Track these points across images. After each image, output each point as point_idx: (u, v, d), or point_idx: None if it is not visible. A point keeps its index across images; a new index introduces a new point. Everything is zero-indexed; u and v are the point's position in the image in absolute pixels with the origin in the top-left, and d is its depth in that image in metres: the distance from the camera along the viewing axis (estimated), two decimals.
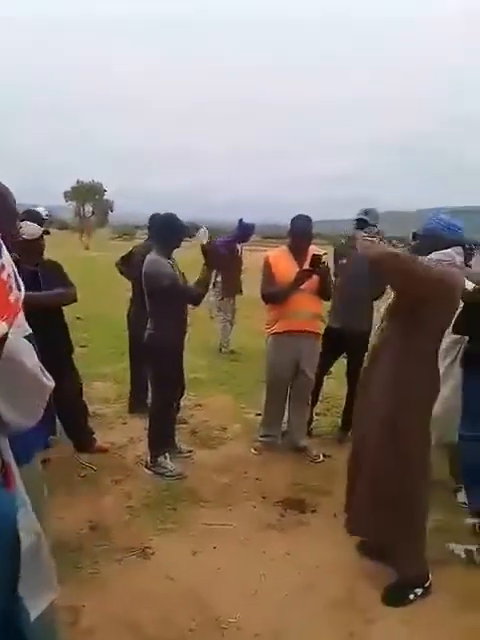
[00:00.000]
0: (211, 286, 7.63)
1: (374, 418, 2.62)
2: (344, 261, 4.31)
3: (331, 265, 4.39)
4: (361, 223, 4.13)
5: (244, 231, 8.05)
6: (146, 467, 3.74)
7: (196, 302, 3.69)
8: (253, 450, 4.15)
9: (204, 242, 3.56)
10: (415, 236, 2.69)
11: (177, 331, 3.70)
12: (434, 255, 2.53)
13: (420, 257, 2.55)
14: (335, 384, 5.31)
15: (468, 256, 3.00)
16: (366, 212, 4.12)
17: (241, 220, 8.06)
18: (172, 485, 3.57)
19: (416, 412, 2.55)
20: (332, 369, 4.76)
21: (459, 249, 2.57)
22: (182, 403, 4.29)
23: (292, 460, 4.03)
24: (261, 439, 4.20)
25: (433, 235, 2.59)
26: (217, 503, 3.39)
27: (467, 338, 3.18)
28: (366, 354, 3.83)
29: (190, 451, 4.04)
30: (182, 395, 4.14)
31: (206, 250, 3.57)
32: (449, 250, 2.53)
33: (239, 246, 7.43)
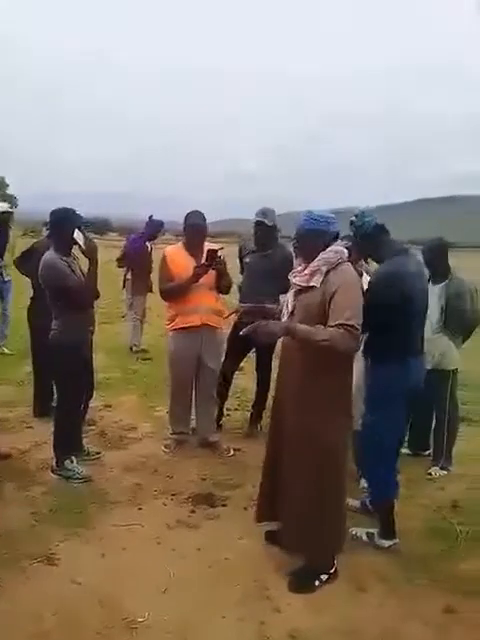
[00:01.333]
0: (122, 285, 7.50)
1: (289, 414, 2.68)
2: (247, 260, 4.40)
3: (237, 262, 4.45)
4: (260, 225, 4.24)
5: (153, 228, 8.00)
6: (52, 471, 3.61)
7: (86, 302, 3.62)
8: (163, 448, 4.13)
9: (80, 244, 3.47)
10: (296, 238, 2.74)
11: (82, 330, 3.61)
12: (323, 255, 2.57)
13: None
14: (246, 379, 5.38)
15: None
16: (264, 213, 4.22)
17: (150, 217, 7.99)
18: (79, 488, 3.48)
19: (331, 408, 2.60)
20: (243, 364, 4.83)
21: (342, 242, 2.68)
22: (90, 404, 4.18)
23: (202, 456, 4.05)
24: (171, 437, 4.19)
25: (315, 233, 2.61)
26: (126, 503, 3.34)
27: None
28: (274, 350, 3.93)
29: (98, 453, 3.95)
30: (90, 396, 4.04)
31: (83, 250, 3.49)
32: (335, 247, 2.60)
33: (149, 244, 7.36)
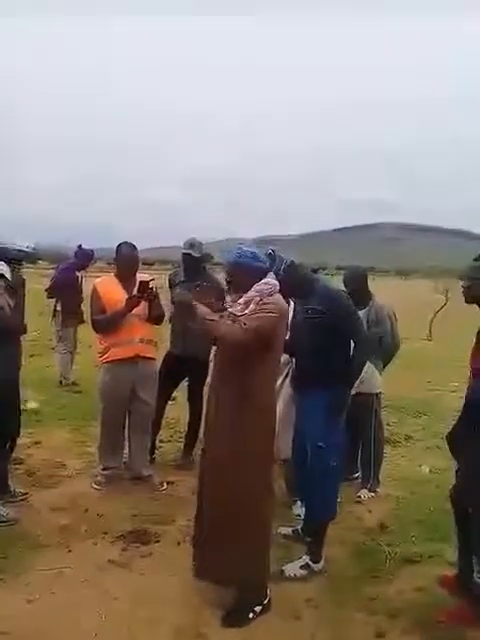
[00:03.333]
0: (51, 315, 7.32)
1: (218, 450, 2.71)
2: (177, 290, 4.43)
3: (167, 291, 4.48)
4: (187, 256, 4.32)
5: (83, 258, 7.91)
6: None
7: (12, 337, 3.54)
8: (94, 485, 4.04)
9: (7, 276, 3.43)
10: (228, 273, 2.85)
11: (9, 364, 3.51)
12: (257, 286, 2.69)
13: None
14: (178, 409, 5.36)
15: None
16: (191, 245, 4.30)
17: (80, 246, 7.89)
18: (4, 532, 3.34)
19: (254, 437, 2.67)
20: (175, 394, 4.82)
21: (272, 275, 2.80)
22: (17, 441, 4.04)
23: (135, 491, 3.98)
24: (102, 472, 4.09)
25: (247, 268, 2.73)
26: (54, 546, 3.23)
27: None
28: (206, 379, 3.97)
29: (25, 494, 3.80)
30: (17, 434, 3.90)
31: (10, 283, 3.47)
32: (267, 279, 2.73)
33: (79, 273, 7.26)
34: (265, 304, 2.64)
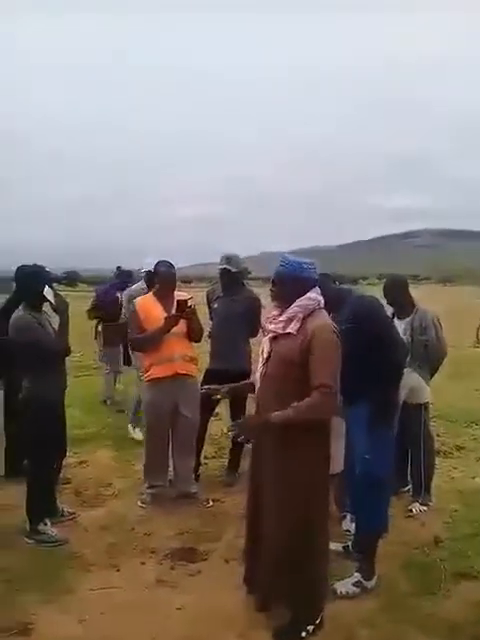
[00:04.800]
0: (93, 336, 7.45)
1: (268, 471, 2.65)
2: (215, 305, 4.44)
3: (205, 308, 4.49)
4: (224, 271, 4.32)
5: (123, 277, 8.00)
6: (26, 537, 3.49)
7: (58, 359, 3.61)
8: (140, 503, 4.04)
9: (51, 300, 3.51)
10: (274, 282, 2.68)
11: (55, 386, 3.58)
12: (299, 302, 2.54)
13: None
14: (222, 425, 5.33)
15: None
16: (228, 259, 4.30)
17: (118, 268, 8.01)
18: (54, 552, 3.37)
19: (310, 451, 2.57)
20: (218, 410, 4.80)
21: (317, 289, 2.62)
22: (64, 462, 4.10)
23: (181, 509, 3.96)
24: (148, 491, 4.10)
25: (292, 279, 2.58)
26: (103, 565, 3.23)
27: None
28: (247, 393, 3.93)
29: (73, 513, 3.84)
30: (64, 455, 3.95)
31: (54, 306, 3.54)
32: (311, 294, 2.57)
33: (120, 294, 7.36)
34: (319, 336, 2.46)
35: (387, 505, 3.11)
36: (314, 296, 2.58)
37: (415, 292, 4.25)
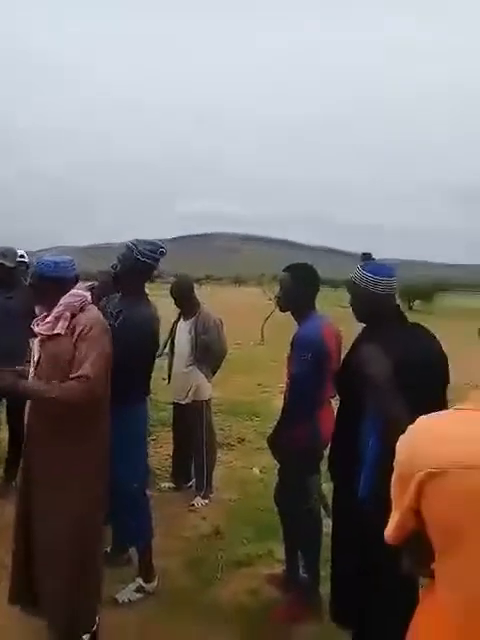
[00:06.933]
0: None
1: (39, 477, 2.47)
2: None
3: None
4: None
5: None
6: None
7: None
8: None
9: None
10: (32, 285, 2.54)
11: None
12: (64, 299, 2.43)
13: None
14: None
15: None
16: (3, 254, 3.94)
17: None
18: None
19: (78, 473, 2.45)
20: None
21: (81, 285, 2.55)
22: None
23: None
24: None
25: (51, 280, 2.45)
26: None
27: None
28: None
29: None
30: None
31: None
32: (74, 291, 2.47)
33: None
34: (87, 330, 2.38)
35: (146, 513, 3.00)
36: (79, 293, 2.50)
37: (209, 292, 4.38)
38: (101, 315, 2.56)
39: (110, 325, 2.60)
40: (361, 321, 2.31)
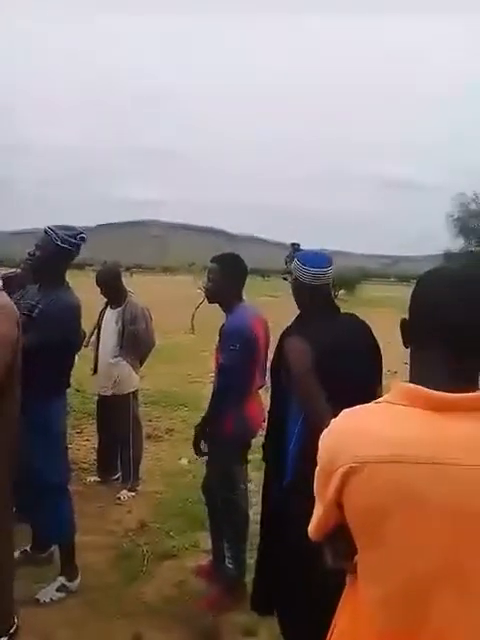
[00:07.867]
0: None
1: None
2: None
3: None
4: None
5: None
6: None
7: None
8: None
9: None
10: None
11: None
12: None
13: None
14: None
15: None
16: None
17: None
18: None
19: None
20: None
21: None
22: None
23: None
24: None
25: None
26: None
27: None
28: None
29: None
30: None
31: None
32: None
33: None
34: None
35: (67, 509, 2.90)
36: None
37: (139, 281, 4.28)
38: (9, 301, 2.36)
39: (26, 315, 2.48)
40: (300, 311, 2.31)
